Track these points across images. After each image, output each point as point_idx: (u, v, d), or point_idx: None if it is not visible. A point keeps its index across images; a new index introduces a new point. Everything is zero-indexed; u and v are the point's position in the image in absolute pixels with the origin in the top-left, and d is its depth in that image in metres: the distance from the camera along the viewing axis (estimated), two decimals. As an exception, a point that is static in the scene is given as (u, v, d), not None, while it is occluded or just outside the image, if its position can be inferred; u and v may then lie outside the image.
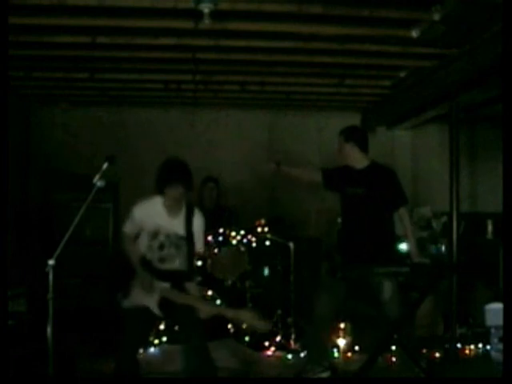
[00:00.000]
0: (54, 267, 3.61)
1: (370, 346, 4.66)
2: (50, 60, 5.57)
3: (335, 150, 4.83)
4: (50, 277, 3.60)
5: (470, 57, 4.93)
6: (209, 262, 5.68)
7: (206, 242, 5.69)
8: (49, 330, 3.60)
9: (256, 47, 5.07)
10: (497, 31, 4.29)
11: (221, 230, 5.69)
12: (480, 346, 5.49)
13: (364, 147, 4.74)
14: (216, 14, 4.10)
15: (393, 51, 5.11)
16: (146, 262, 3.87)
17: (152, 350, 5.18)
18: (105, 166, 3.91)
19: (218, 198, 6.45)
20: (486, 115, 7.04)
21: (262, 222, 6.01)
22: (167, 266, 3.90)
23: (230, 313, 3.77)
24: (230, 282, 5.69)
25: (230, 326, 5.37)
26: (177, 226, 3.90)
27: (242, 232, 5.90)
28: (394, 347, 5.01)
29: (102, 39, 4.79)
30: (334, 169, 4.92)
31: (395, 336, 4.49)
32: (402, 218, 4.69)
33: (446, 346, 5.37)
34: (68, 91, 6.83)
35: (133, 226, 3.97)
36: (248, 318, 3.62)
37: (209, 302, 3.82)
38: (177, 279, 3.85)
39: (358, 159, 4.72)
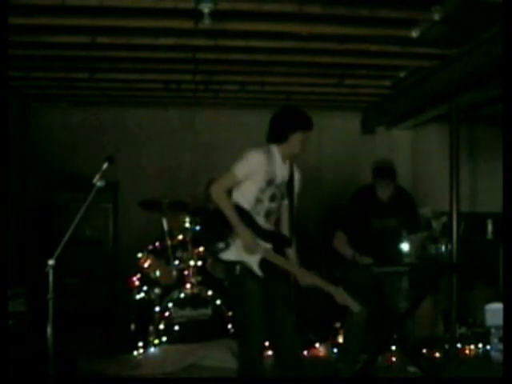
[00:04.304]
0: (54, 267, 3.62)
1: (370, 346, 4.65)
2: (50, 60, 5.57)
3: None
4: (50, 277, 3.61)
5: (470, 57, 4.93)
6: (209, 261, 5.68)
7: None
8: (49, 330, 3.60)
9: (256, 47, 5.07)
10: (497, 31, 4.29)
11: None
12: (480, 346, 5.49)
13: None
14: (216, 14, 4.11)
15: (393, 51, 5.11)
16: (249, 218, 3.62)
17: (152, 349, 5.17)
18: (105, 165, 3.91)
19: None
20: (486, 115, 7.04)
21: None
22: (271, 222, 3.74)
23: (327, 287, 3.66)
24: (230, 282, 5.68)
25: (229, 326, 5.37)
26: (285, 177, 3.75)
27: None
28: (393, 347, 5.02)
29: (102, 39, 4.79)
30: (353, 207, 4.98)
31: (395, 336, 4.50)
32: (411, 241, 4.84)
33: (446, 346, 5.38)
34: (68, 91, 6.83)
35: (246, 171, 3.62)
36: (342, 298, 3.58)
37: (309, 273, 3.69)
38: (279, 242, 3.72)
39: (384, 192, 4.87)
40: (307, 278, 3.65)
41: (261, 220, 3.68)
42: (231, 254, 3.58)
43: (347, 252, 4.83)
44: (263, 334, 3.60)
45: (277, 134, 3.72)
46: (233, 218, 3.56)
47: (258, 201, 3.66)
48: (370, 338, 4.71)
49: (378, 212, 4.83)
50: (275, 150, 3.72)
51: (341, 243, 4.89)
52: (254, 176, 3.63)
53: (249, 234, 3.56)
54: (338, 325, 5.60)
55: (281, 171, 3.73)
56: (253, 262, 3.58)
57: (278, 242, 3.72)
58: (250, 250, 3.55)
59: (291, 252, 3.80)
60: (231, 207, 3.60)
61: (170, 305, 5.29)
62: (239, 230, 3.55)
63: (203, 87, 6.40)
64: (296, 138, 3.70)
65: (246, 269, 3.57)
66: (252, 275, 3.57)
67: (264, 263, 3.60)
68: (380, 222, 4.80)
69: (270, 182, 3.65)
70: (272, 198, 3.69)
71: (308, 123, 3.75)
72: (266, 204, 3.68)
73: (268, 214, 3.71)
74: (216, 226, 3.64)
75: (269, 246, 3.66)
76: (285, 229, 3.83)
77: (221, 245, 3.59)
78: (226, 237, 3.58)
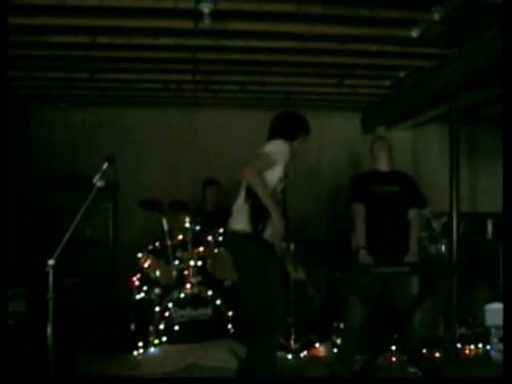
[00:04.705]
0: (54, 267, 3.62)
1: (370, 346, 4.65)
2: (50, 60, 5.57)
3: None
4: (50, 277, 3.61)
5: (470, 57, 4.93)
6: (209, 262, 5.68)
7: (206, 242, 5.72)
8: (49, 330, 3.60)
9: (256, 47, 5.07)
10: (497, 31, 4.29)
11: (221, 230, 5.69)
12: (480, 346, 5.49)
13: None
14: (216, 14, 4.11)
15: (393, 51, 5.11)
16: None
17: (152, 349, 5.17)
18: (105, 165, 3.92)
19: (218, 199, 6.50)
20: (486, 115, 7.04)
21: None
22: None
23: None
24: (229, 282, 5.69)
25: (229, 326, 5.37)
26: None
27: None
28: (393, 347, 5.02)
29: (102, 39, 4.79)
30: (359, 181, 5.00)
31: (395, 336, 4.50)
32: (413, 219, 4.80)
33: (446, 346, 5.38)
34: (68, 91, 6.83)
35: (278, 156, 3.79)
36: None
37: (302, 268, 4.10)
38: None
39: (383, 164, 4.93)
40: (300, 273, 4.33)
41: None
42: (267, 235, 3.75)
43: (362, 239, 4.69)
44: (281, 315, 3.90)
45: (288, 132, 3.99)
46: (269, 200, 3.67)
47: (275, 191, 3.82)
48: (370, 338, 4.70)
49: (380, 180, 4.86)
50: (290, 146, 3.93)
51: (360, 221, 4.75)
52: (279, 164, 3.79)
53: (281, 218, 3.71)
54: (338, 325, 5.60)
55: (289, 165, 3.94)
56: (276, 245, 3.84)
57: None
58: (279, 233, 3.74)
59: (285, 246, 4.31)
60: (267, 190, 3.70)
61: (170, 305, 5.29)
62: (274, 213, 3.67)
63: (203, 87, 6.40)
64: (300, 141, 4.06)
65: (273, 251, 3.80)
66: (276, 257, 3.82)
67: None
68: (383, 188, 4.80)
69: (285, 174, 3.86)
70: (283, 190, 3.91)
71: (309, 130, 4.16)
72: (278, 195, 3.87)
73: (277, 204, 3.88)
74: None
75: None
76: None
77: (260, 225, 3.71)
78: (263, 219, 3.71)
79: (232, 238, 3.89)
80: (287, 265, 3.87)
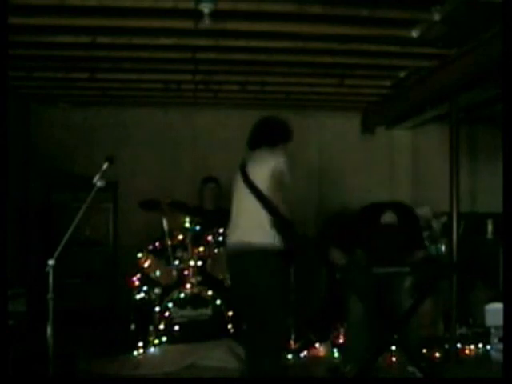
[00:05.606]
0: (54, 267, 3.62)
1: (369, 345, 4.65)
2: (50, 60, 5.57)
3: None
4: (50, 277, 3.61)
5: (470, 57, 4.92)
6: (209, 262, 5.68)
7: (206, 242, 5.72)
8: (49, 329, 3.60)
9: (256, 47, 5.06)
10: (497, 31, 4.29)
11: (221, 230, 5.69)
12: (480, 346, 5.49)
13: None
14: (216, 14, 4.10)
15: (393, 51, 5.10)
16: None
17: (152, 349, 5.17)
18: (105, 165, 3.92)
19: (218, 198, 6.44)
20: (485, 115, 7.03)
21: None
22: None
23: None
24: (229, 282, 5.68)
25: (229, 326, 5.37)
26: None
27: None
28: (393, 347, 5.02)
29: (102, 39, 4.78)
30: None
31: (395, 336, 4.50)
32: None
33: (446, 346, 5.38)
34: (68, 91, 6.82)
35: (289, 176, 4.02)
36: None
37: None
38: None
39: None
40: None
41: None
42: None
43: (340, 260, 4.80)
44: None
45: (274, 140, 4.11)
46: (287, 216, 3.99)
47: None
48: (370, 338, 4.71)
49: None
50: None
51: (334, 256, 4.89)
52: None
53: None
54: (338, 325, 5.61)
55: None
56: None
57: None
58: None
59: None
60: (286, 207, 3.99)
61: (170, 305, 5.29)
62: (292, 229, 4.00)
63: (203, 87, 6.39)
64: (283, 148, 4.14)
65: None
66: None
67: None
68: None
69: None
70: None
71: (290, 136, 4.26)
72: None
73: None
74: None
75: None
76: None
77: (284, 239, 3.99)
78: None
79: (258, 251, 3.95)
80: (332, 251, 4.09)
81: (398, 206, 5.01)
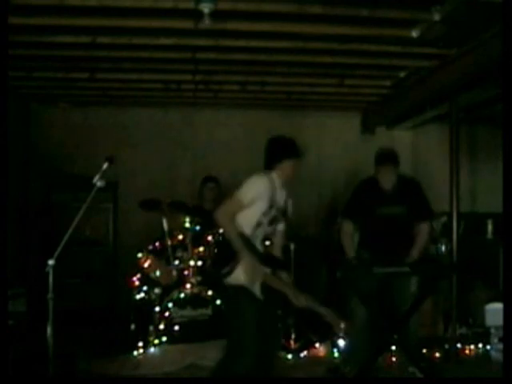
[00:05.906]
0: (54, 267, 3.62)
1: (369, 346, 4.65)
2: (50, 60, 5.57)
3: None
4: (50, 277, 3.61)
5: (470, 57, 4.92)
6: (209, 262, 5.68)
7: (206, 242, 5.71)
8: (49, 330, 3.60)
9: (256, 47, 5.07)
10: (497, 31, 4.29)
11: (221, 230, 5.69)
12: (480, 346, 5.49)
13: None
14: (216, 14, 4.11)
15: (393, 51, 5.11)
16: (250, 243, 3.69)
17: (152, 349, 5.17)
18: (105, 165, 3.92)
19: (218, 198, 6.44)
20: (485, 115, 7.04)
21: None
22: (266, 245, 3.91)
23: (318, 308, 3.99)
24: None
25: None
26: (281, 202, 3.87)
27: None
28: (393, 347, 5.02)
29: (102, 39, 4.79)
30: (357, 196, 4.97)
31: (395, 336, 4.50)
32: (420, 231, 4.84)
33: (446, 346, 5.38)
34: (68, 91, 6.83)
35: (251, 196, 3.68)
36: (332, 319, 4.05)
37: (303, 295, 3.86)
38: (276, 265, 3.89)
39: (386, 180, 4.83)
40: (301, 300, 3.82)
41: (258, 244, 3.78)
42: (235, 278, 3.65)
43: (349, 251, 4.86)
44: (253, 355, 3.66)
45: (270, 161, 3.87)
46: (238, 243, 3.64)
47: (259, 224, 3.77)
48: (370, 338, 4.71)
49: (382, 200, 4.80)
50: (274, 175, 3.84)
51: (346, 237, 4.92)
52: (259, 201, 3.71)
53: (253, 258, 3.65)
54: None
55: (280, 196, 3.86)
56: (255, 286, 3.72)
57: (275, 265, 3.88)
58: (254, 274, 3.66)
59: (284, 274, 3.94)
60: (236, 232, 3.67)
61: (170, 305, 5.29)
62: (243, 252, 3.62)
63: (203, 87, 6.40)
64: (287, 165, 3.84)
65: (248, 293, 3.68)
66: (252, 299, 3.70)
67: (264, 287, 3.77)
68: (385, 209, 4.78)
69: (271, 206, 3.76)
70: (271, 222, 3.82)
71: (297, 152, 3.91)
72: (266, 228, 3.81)
73: (265, 238, 3.86)
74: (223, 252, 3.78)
75: (267, 269, 3.81)
76: (277, 252, 3.98)
77: (225, 269, 3.66)
78: (230, 262, 3.66)
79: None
80: (287, 294, 3.83)
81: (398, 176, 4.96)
